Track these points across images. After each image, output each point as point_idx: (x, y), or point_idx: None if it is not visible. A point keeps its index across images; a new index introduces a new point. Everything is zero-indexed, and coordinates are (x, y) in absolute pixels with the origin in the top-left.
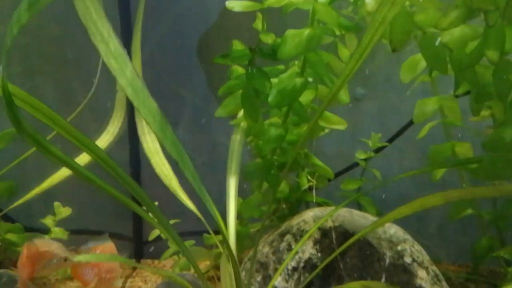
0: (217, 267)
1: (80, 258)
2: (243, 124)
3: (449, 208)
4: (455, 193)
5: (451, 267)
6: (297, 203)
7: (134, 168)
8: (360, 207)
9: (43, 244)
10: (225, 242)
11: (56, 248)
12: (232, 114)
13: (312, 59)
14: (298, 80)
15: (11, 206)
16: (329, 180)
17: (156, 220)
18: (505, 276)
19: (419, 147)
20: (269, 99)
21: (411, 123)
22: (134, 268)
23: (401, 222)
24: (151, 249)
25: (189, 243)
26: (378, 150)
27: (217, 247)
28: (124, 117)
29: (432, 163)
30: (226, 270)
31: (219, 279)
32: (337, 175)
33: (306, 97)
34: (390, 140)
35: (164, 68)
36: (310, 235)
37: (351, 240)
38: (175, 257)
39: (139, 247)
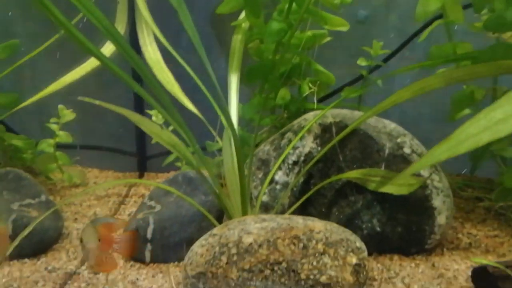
0: (219, 176)
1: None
2: (245, 24)
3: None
4: (454, 73)
5: (451, 175)
6: (298, 111)
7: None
8: None
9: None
10: (229, 124)
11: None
12: (233, 10)
13: None
14: None
15: (9, 113)
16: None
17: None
18: (502, 175)
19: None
20: None
21: (409, 40)
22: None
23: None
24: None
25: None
26: (378, 66)
27: (219, 154)
28: (125, 29)
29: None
30: (229, 157)
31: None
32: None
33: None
34: (387, 59)
35: None
36: (311, 130)
37: (347, 129)
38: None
39: (142, 161)
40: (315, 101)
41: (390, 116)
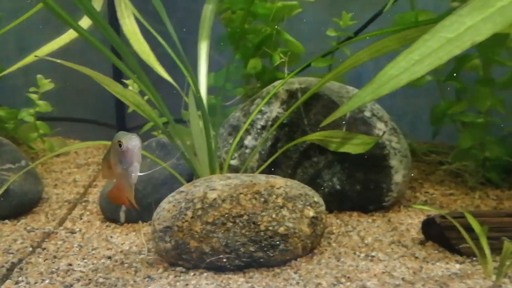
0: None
1: None
2: None
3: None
4: (409, 34)
5: (417, 142)
6: (270, 80)
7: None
8: None
9: None
10: (195, 90)
11: None
12: None
13: None
14: None
15: None
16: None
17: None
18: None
19: None
20: None
21: (378, 14)
22: None
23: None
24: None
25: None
26: (348, 38)
27: None
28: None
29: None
30: (196, 122)
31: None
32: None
33: None
34: (358, 32)
35: None
36: (278, 96)
37: (308, 93)
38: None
39: None
40: (286, 71)
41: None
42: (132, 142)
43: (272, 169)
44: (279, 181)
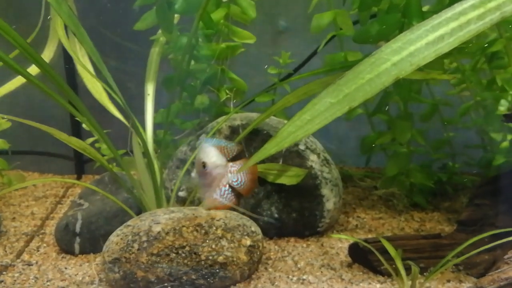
0: None
1: None
2: (162, 38)
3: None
4: (331, 79)
5: (354, 168)
6: (218, 115)
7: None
8: None
9: None
10: (136, 130)
11: None
12: (149, 27)
13: None
14: None
15: None
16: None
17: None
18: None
19: None
20: (176, 6)
21: (315, 52)
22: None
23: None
24: (94, 167)
25: (121, 151)
26: (288, 75)
27: None
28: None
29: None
30: (140, 160)
31: None
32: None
33: (218, 14)
34: (297, 69)
35: None
36: (221, 132)
37: (247, 129)
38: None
39: (79, 165)
40: (231, 106)
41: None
42: (217, 170)
43: None
44: (219, 213)
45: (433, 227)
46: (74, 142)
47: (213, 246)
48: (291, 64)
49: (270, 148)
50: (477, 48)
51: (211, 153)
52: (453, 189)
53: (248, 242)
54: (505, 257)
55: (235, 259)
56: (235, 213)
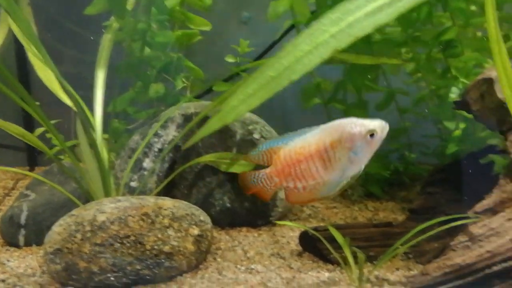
0: None
1: None
2: (115, 24)
3: None
4: None
5: None
6: (174, 104)
7: (22, 74)
8: None
9: None
10: (82, 117)
11: None
12: (100, 11)
13: None
14: None
15: None
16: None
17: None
18: None
19: None
20: None
21: (275, 42)
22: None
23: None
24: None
25: (72, 142)
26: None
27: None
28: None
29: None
30: (86, 149)
31: None
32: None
33: (173, 0)
34: (258, 58)
35: None
36: (174, 120)
37: (197, 117)
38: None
39: (31, 156)
40: (188, 95)
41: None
42: (385, 131)
43: (170, 190)
44: (167, 202)
45: (386, 216)
46: (13, 129)
47: (159, 236)
48: (253, 53)
49: (214, 123)
50: (431, 36)
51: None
52: (410, 179)
53: (196, 231)
54: (451, 243)
55: (181, 248)
56: (184, 202)
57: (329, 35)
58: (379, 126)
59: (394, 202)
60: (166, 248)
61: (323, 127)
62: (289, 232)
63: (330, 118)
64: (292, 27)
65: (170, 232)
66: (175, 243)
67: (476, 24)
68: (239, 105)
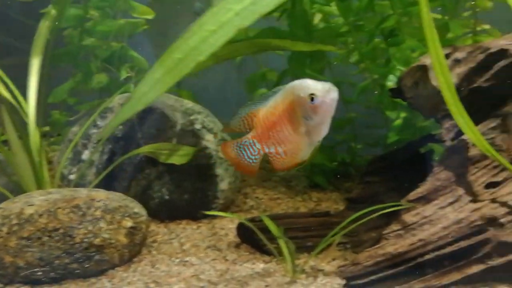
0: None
1: None
2: (53, 11)
3: None
4: (219, 52)
5: None
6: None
7: None
8: None
9: None
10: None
11: None
12: None
13: None
14: None
15: None
16: None
17: None
18: None
19: None
20: None
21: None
22: None
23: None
24: None
25: None
26: None
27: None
28: None
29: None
30: (16, 144)
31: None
32: None
33: None
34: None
35: None
36: (113, 110)
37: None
38: None
39: None
40: (133, 86)
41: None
42: (329, 95)
43: (110, 182)
44: (100, 194)
45: (328, 207)
46: None
47: (90, 228)
48: None
49: (125, 112)
50: (373, 25)
51: (313, 84)
52: (356, 170)
53: (129, 223)
54: (384, 232)
55: (113, 241)
56: (119, 194)
57: (234, 13)
58: (320, 89)
59: (338, 193)
60: (97, 241)
61: (286, 87)
62: (229, 224)
63: None
64: None
65: (102, 224)
66: (106, 236)
67: (414, 12)
68: (149, 92)
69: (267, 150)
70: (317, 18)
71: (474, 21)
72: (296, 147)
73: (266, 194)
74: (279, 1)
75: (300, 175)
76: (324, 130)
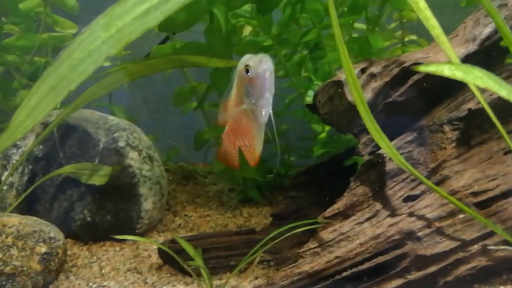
0: None
1: None
2: None
3: None
4: (134, 67)
5: (202, 165)
6: None
7: None
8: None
9: None
10: None
11: None
12: None
13: None
14: None
15: None
16: None
17: None
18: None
19: None
20: None
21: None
22: None
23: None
24: None
25: None
26: None
27: None
28: None
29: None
30: None
31: None
32: None
33: (32, 2)
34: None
35: None
36: (33, 130)
37: (50, 127)
38: None
39: None
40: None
41: None
42: (262, 65)
43: (32, 205)
44: (13, 219)
45: (258, 222)
46: None
47: (0, 256)
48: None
49: (5, 141)
50: (297, 38)
51: (252, 56)
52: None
53: (43, 249)
54: (301, 250)
55: (25, 268)
56: (34, 218)
57: (101, 41)
58: (254, 59)
59: (270, 207)
60: (8, 269)
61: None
62: (153, 246)
63: (208, 123)
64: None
65: (13, 251)
66: (17, 263)
67: (328, 25)
68: (26, 120)
69: (238, 143)
70: (248, 31)
71: (402, 32)
72: (255, 138)
73: (196, 211)
74: (144, 28)
75: (230, 189)
76: (265, 109)
